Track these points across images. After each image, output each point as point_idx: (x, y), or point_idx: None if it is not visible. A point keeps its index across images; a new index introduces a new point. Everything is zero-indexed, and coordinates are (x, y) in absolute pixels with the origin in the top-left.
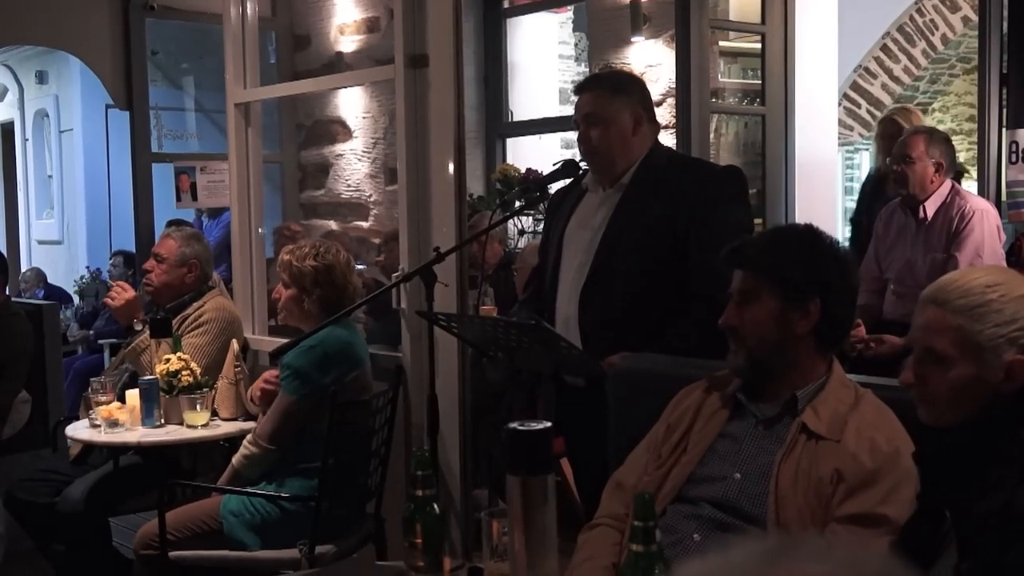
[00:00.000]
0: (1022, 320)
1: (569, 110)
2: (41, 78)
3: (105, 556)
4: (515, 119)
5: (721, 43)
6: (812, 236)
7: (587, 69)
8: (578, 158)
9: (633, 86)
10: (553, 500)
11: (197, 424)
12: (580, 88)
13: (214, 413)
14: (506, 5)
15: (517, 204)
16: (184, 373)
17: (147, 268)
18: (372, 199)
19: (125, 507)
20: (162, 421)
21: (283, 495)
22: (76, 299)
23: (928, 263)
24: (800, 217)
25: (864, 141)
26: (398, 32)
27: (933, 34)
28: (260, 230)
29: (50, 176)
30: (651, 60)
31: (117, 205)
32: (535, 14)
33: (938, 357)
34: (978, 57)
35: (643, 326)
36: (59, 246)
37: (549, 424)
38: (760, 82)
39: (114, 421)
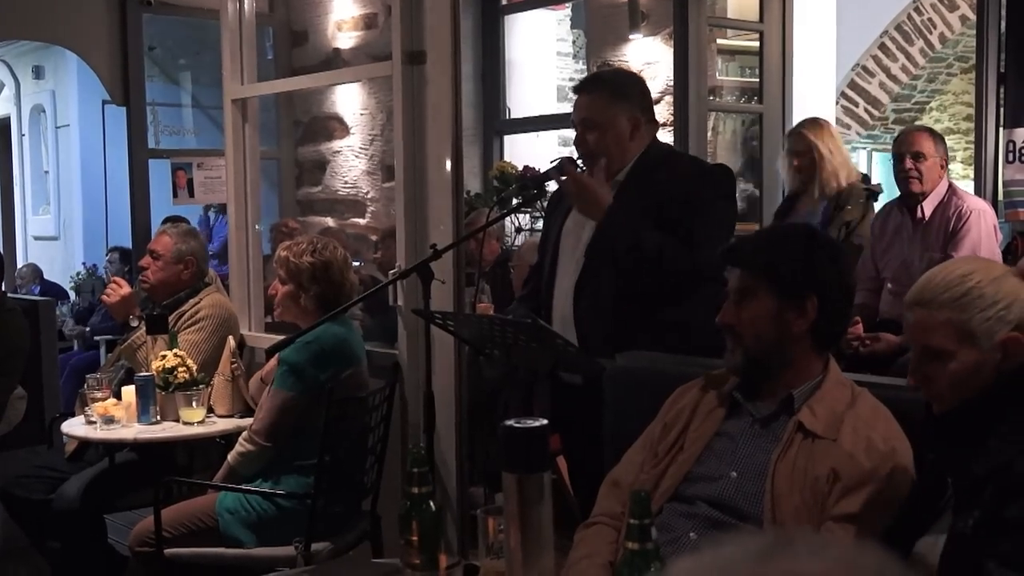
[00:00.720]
0: (1004, 299)
1: (567, 107)
2: (38, 73)
3: (101, 553)
4: (513, 116)
5: (719, 41)
6: (809, 235)
7: (585, 66)
8: (575, 156)
9: (633, 88)
10: (549, 498)
11: (193, 421)
12: (580, 89)
13: (210, 410)
14: (504, 2)
15: (514, 201)
16: (180, 370)
17: (143, 265)
18: (369, 196)
19: (121, 504)
20: (158, 418)
21: (279, 492)
22: (72, 295)
23: (925, 262)
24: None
25: (862, 140)
26: (396, 29)
27: (931, 33)
28: (257, 226)
29: (46, 172)
30: (649, 57)
31: (113, 201)
32: (533, 11)
33: (936, 353)
34: (976, 56)
35: (638, 322)
36: (55, 242)
37: (545, 422)
38: (758, 80)
39: (110, 418)
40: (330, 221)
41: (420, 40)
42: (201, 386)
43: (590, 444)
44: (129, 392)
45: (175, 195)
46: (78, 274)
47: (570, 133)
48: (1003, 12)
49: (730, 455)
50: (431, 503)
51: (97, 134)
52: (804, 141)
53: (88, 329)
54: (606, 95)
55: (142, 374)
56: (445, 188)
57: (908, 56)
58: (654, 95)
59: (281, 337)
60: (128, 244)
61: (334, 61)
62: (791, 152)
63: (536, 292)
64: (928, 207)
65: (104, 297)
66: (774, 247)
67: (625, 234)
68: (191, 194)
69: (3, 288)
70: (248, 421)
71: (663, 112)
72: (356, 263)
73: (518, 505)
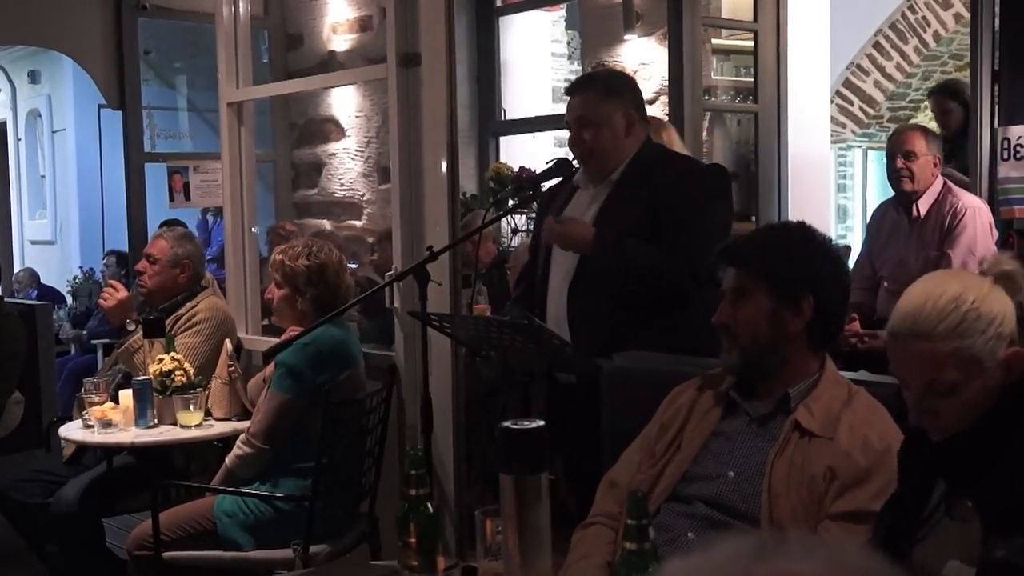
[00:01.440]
0: (998, 314)
1: (562, 108)
2: (33, 78)
3: (99, 557)
4: (508, 118)
5: (714, 41)
6: (805, 234)
7: (580, 67)
8: (571, 157)
9: (625, 87)
10: (547, 499)
11: (190, 424)
12: (572, 90)
13: (208, 413)
14: (498, 3)
15: (510, 203)
16: (177, 373)
17: (140, 269)
18: (365, 198)
19: (119, 508)
20: (155, 421)
21: (277, 495)
22: (69, 299)
23: (921, 261)
24: (793, 215)
25: (857, 139)
26: (390, 31)
27: (925, 31)
28: (253, 229)
29: (43, 176)
30: (644, 58)
31: (110, 205)
32: (528, 12)
33: (947, 388)
34: (970, 54)
35: (632, 321)
36: (52, 246)
37: (542, 423)
38: (753, 80)
39: (107, 421)
40: (326, 223)
41: (415, 42)
42: (198, 389)
43: (587, 444)
44: (126, 396)
45: (171, 199)
46: (75, 278)
47: (566, 134)
48: (997, 10)
49: (727, 455)
50: (429, 505)
51: (93, 138)
52: None
53: (85, 333)
54: (600, 92)
55: (139, 378)
56: (441, 190)
57: (902, 54)
58: (649, 95)
59: (277, 340)
60: (125, 248)
61: (329, 64)
62: None
63: (530, 292)
64: (923, 205)
65: (101, 301)
66: (770, 247)
67: (617, 257)
68: (187, 198)
69: (0, 292)
70: (246, 424)
71: (658, 112)
72: (353, 264)
73: (516, 506)
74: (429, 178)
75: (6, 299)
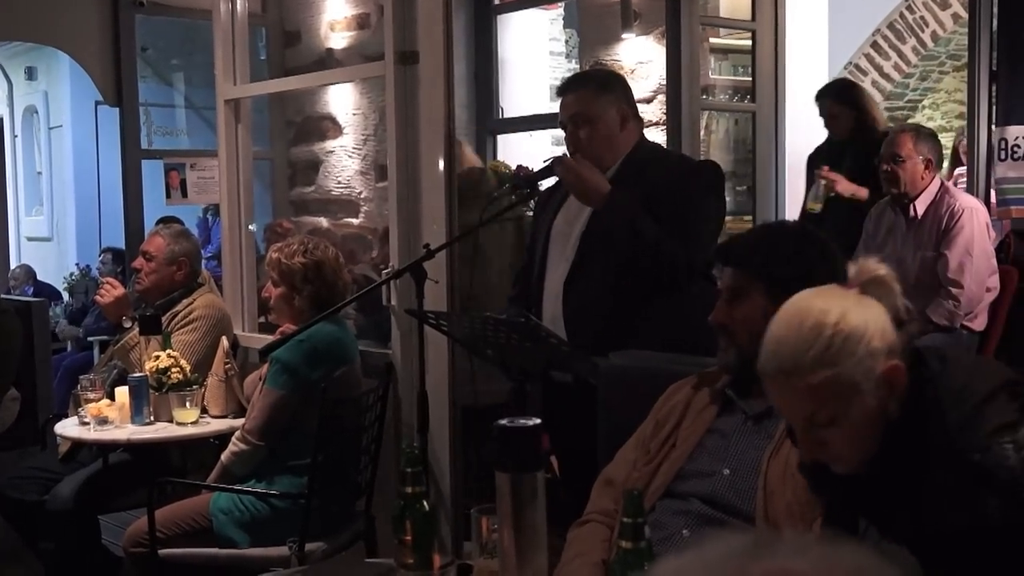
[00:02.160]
0: (865, 331)
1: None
2: (30, 74)
3: (94, 554)
4: (505, 116)
5: (712, 40)
6: (801, 233)
7: (578, 66)
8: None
9: (616, 84)
10: (543, 497)
11: (187, 421)
12: (564, 89)
13: (204, 410)
14: (496, 1)
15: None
16: (174, 370)
17: (136, 266)
18: (362, 196)
19: (114, 505)
20: (151, 418)
21: (273, 492)
22: (65, 296)
23: (918, 261)
24: (790, 214)
25: None
26: (388, 29)
27: (923, 31)
28: (251, 227)
29: (39, 173)
30: (641, 57)
31: (107, 202)
32: (525, 11)
33: (828, 419)
34: (968, 54)
35: (627, 320)
36: (48, 243)
37: (539, 421)
38: (751, 79)
39: (103, 418)
40: (324, 221)
41: (413, 40)
42: (195, 386)
43: (583, 442)
44: (123, 393)
45: (168, 196)
46: (71, 275)
47: (563, 132)
48: (995, 10)
49: (723, 452)
50: (425, 503)
51: (90, 135)
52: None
53: (81, 330)
54: (593, 89)
55: (135, 375)
56: (438, 188)
57: (900, 54)
58: (647, 94)
59: (273, 337)
60: (121, 245)
61: (327, 61)
62: None
63: (526, 292)
64: (920, 206)
65: (97, 298)
66: (766, 246)
67: (625, 218)
68: (184, 195)
69: None
70: (242, 421)
71: (656, 111)
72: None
73: (511, 504)
74: (426, 176)
75: (2, 296)
